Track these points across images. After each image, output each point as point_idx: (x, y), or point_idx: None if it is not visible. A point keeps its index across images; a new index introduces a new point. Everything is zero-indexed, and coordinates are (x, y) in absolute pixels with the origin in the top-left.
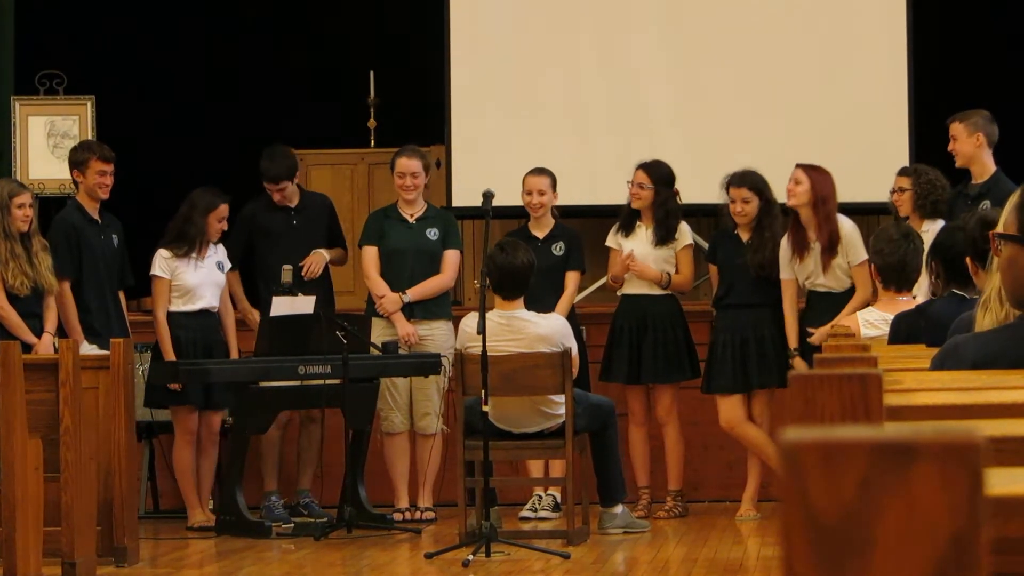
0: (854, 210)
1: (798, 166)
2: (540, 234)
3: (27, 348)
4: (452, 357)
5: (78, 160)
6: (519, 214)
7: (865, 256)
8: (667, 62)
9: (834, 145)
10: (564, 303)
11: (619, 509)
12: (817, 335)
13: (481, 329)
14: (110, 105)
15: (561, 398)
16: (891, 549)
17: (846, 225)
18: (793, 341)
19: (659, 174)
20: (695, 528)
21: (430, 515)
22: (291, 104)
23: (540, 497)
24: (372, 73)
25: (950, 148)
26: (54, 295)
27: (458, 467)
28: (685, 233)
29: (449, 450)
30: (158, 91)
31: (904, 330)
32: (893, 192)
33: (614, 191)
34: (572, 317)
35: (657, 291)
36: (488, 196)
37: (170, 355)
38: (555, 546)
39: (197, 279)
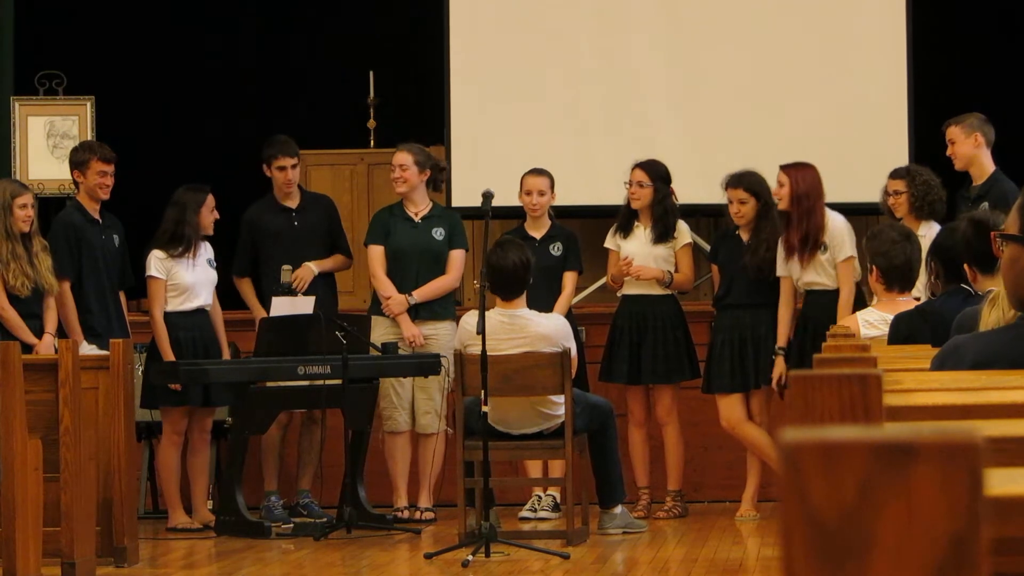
0: (853, 210)
1: (780, 168)
2: (537, 234)
3: (27, 348)
4: (452, 357)
5: (79, 160)
6: (518, 214)
7: (851, 253)
8: (666, 63)
9: (833, 145)
10: (562, 303)
11: (618, 510)
12: (776, 371)
13: (481, 329)
14: (110, 105)
15: (560, 398)
16: (891, 549)
17: (836, 220)
18: (781, 340)
19: (656, 172)
20: (695, 528)
21: (430, 515)
22: (291, 104)
23: (539, 497)
24: (372, 73)
25: (948, 152)
26: (54, 296)
27: (457, 467)
28: (684, 232)
29: (449, 450)
30: (158, 91)
31: (904, 330)
32: (888, 195)
33: (613, 191)
34: (570, 317)
35: (657, 291)
36: (487, 196)
37: (169, 355)
38: (554, 546)
39: (193, 278)
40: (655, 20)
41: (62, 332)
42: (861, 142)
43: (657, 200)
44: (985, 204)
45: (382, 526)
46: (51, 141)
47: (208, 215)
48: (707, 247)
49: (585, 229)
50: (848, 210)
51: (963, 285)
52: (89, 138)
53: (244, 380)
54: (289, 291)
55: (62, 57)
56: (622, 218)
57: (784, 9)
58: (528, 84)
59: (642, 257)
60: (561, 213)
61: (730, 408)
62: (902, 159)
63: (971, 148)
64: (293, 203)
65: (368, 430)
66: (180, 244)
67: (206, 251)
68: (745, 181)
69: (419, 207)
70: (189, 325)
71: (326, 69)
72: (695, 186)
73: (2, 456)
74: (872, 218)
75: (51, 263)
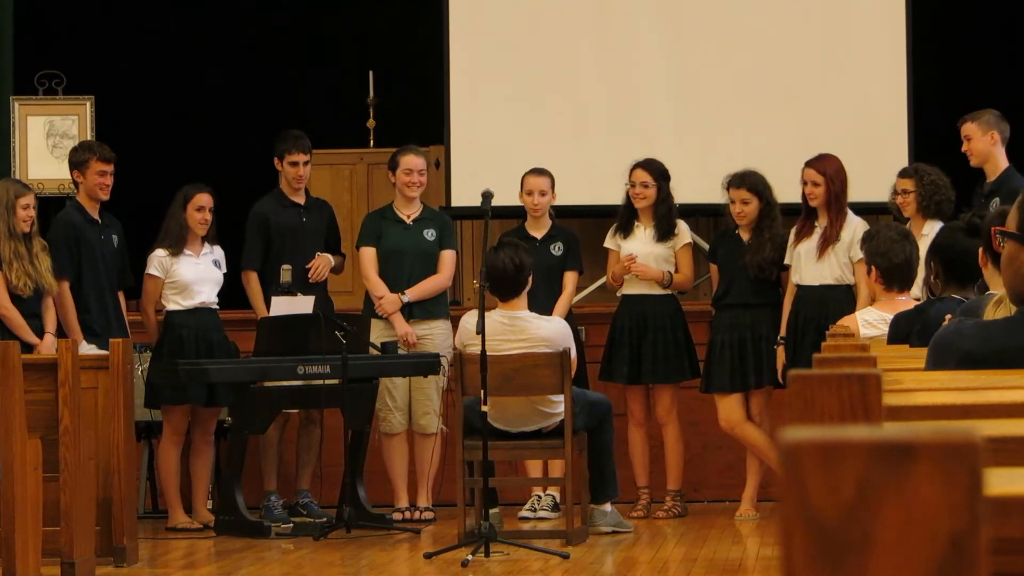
0: (853, 210)
1: (807, 165)
2: (538, 234)
3: (28, 348)
4: (451, 357)
5: (78, 160)
6: (518, 214)
7: None
8: (666, 63)
9: (833, 145)
10: (563, 304)
11: (608, 507)
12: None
13: (480, 329)
14: (110, 105)
15: (559, 397)
16: (890, 549)
17: (853, 219)
18: (784, 330)
19: (658, 171)
20: (694, 528)
21: (429, 515)
22: (290, 104)
23: (539, 497)
24: (371, 73)
25: (964, 149)
26: (53, 296)
27: (457, 467)
28: (684, 231)
29: (448, 450)
30: (158, 91)
31: (904, 330)
32: (896, 194)
33: (613, 191)
34: (570, 318)
35: (657, 291)
36: (487, 196)
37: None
38: (554, 546)
39: (194, 275)
40: (655, 20)
41: (61, 332)
42: (861, 142)
43: (660, 199)
44: (996, 200)
45: (381, 526)
46: (51, 141)
47: (195, 213)
48: (706, 247)
49: (585, 229)
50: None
51: (955, 295)
52: (89, 138)
53: (244, 380)
54: (289, 291)
55: (62, 57)
56: (622, 218)
57: (784, 9)
58: (528, 84)
59: (643, 257)
60: (561, 213)
61: (729, 408)
62: (902, 159)
63: (987, 146)
64: (301, 199)
65: (367, 430)
66: (171, 239)
67: (213, 251)
68: (748, 181)
69: (412, 209)
70: (192, 323)
71: (326, 69)
72: (695, 186)
73: (2, 456)
74: (871, 217)
75: (50, 263)
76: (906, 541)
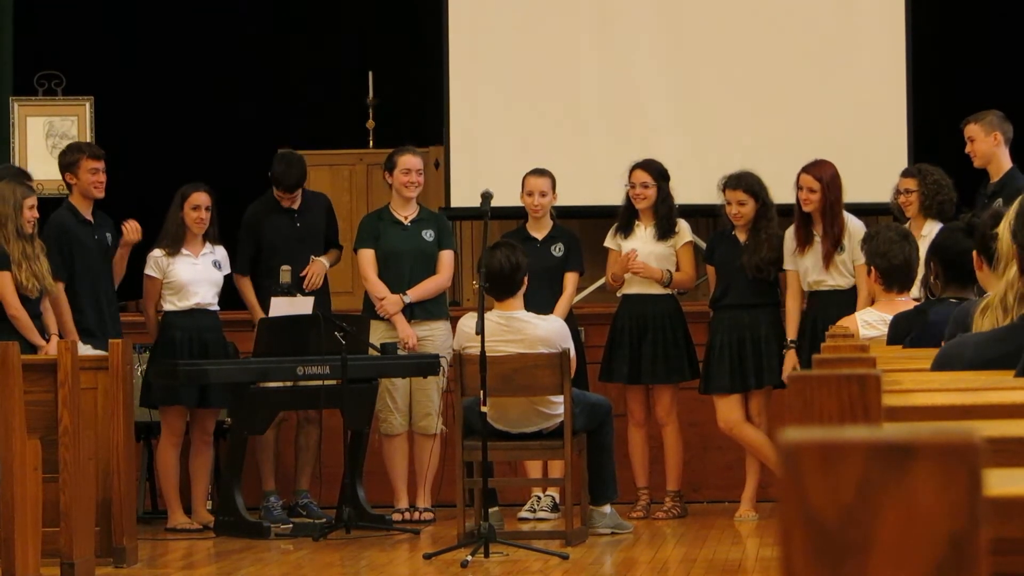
0: (852, 210)
1: (804, 171)
2: (539, 235)
3: (30, 349)
4: (450, 357)
5: (69, 162)
6: (518, 215)
7: None
8: (666, 63)
9: (833, 145)
10: (563, 304)
11: (607, 509)
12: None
13: (480, 329)
14: (109, 105)
15: (559, 398)
16: (890, 549)
17: (854, 222)
18: (792, 333)
19: (657, 171)
20: (694, 529)
21: (429, 516)
22: (290, 104)
23: (539, 498)
24: (371, 73)
25: (967, 150)
26: (52, 297)
27: (457, 468)
28: (685, 230)
29: (447, 451)
30: (157, 91)
31: (903, 331)
32: (899, 194)
33: (613, 191)
34: (570, 318)
35: (657, 291)
36: (487, 197)
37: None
38: (554, 547)
39: (190, 275)
40: (655, 20)
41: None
42: (860, 142)
43: (660, 199)
44: (999, 201)
45: (381, 526)
46: (50, 141)
47: (191, 212)
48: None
49: (585, 229)
50: (846, 210)
51: (954, 297)
52: (89, 138)
53: (243, 380)
54: (288, 291)
55: (61, 57)
56: (622, 218)
57: (784, 9)
58: (528, 84)
59: (644, 256)
60: (561, 213)
61: (728, 409)
62: (901, 159)
63: (990, 147)
64: (295, 204)
65: (367, 430)
66: (168, 239)
67: (215, 252)
68: (744, 182)
69: (409, 210)
70: (186, 324)
71: (325, 69)
72: (694, 186)
73: (2, 456)
74: (871, 218)
75: (48, 265)
76: (906, 542)
